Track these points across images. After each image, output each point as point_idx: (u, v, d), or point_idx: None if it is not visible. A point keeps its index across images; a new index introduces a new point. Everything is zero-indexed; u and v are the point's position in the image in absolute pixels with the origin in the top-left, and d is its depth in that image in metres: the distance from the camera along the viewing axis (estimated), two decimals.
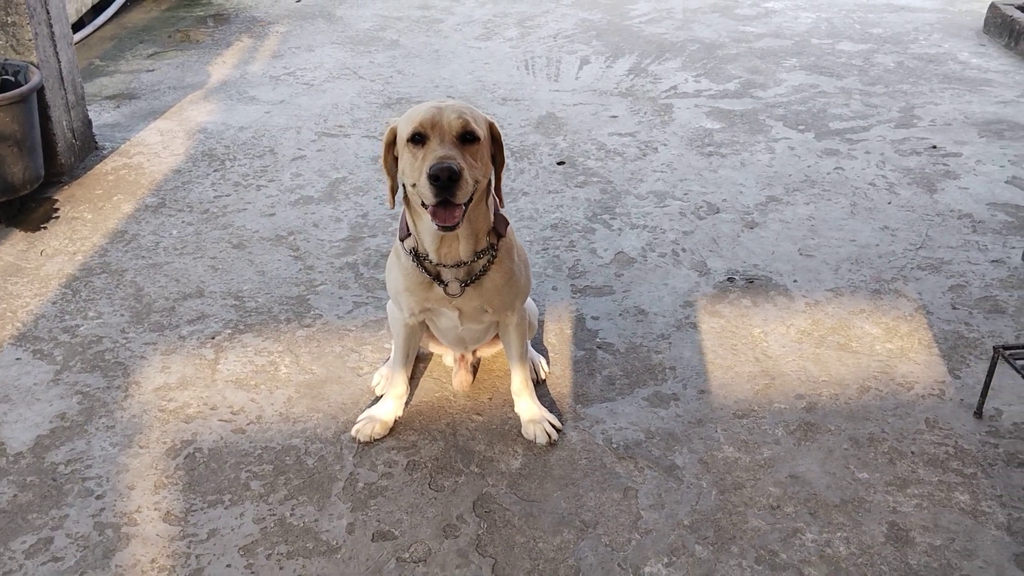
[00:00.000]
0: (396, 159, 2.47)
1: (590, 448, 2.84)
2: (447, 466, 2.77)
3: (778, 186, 4.40)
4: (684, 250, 3.88)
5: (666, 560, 2.46)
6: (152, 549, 2.50)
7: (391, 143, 2.47)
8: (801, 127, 5.01)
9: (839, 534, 2.52)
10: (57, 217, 4.15)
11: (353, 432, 2.85)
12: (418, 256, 2.57)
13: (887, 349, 3.26)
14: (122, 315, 3.48)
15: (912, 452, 2.80)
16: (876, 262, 3.77)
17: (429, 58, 6.09)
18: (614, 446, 2.84)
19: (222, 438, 2.89)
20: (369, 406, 2.96)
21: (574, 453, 2.82)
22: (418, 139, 2.32)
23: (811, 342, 3.31)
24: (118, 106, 5.32)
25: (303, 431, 2.90)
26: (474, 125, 2.34)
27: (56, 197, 4.31)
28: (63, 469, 2.77)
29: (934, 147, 4.75)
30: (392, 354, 2.92)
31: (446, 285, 2.58)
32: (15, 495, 2.67)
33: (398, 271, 2.64)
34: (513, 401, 2.95)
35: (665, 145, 4.83)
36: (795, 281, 3.66)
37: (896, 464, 2.75)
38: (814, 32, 6.46)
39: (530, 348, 3.15)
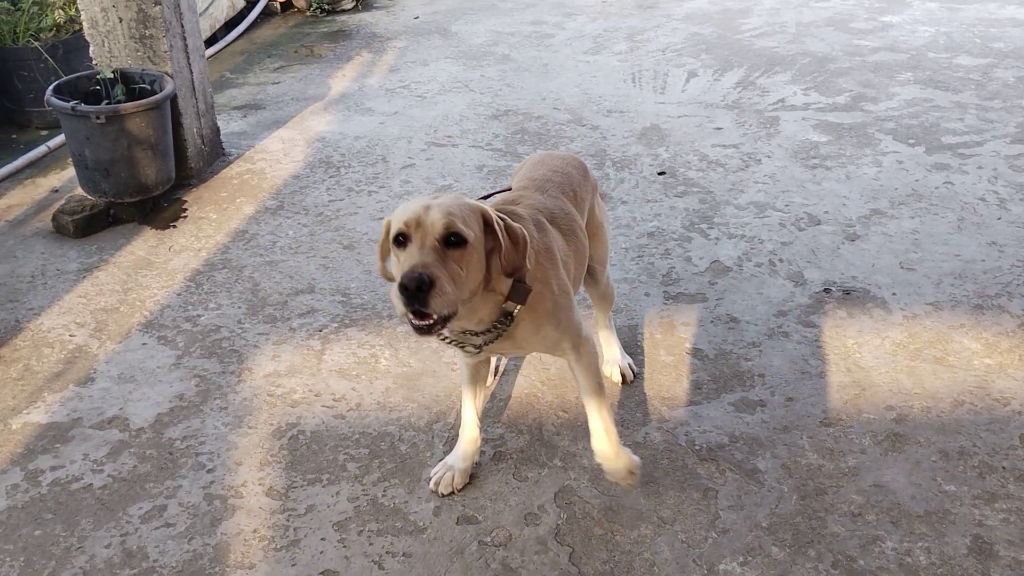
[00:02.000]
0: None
1: (673, 449, 2.89)
2: (531, 458, 2.87)
3: (883, 199, 4.34)
4: (781, 260, 3.88)
5: (741, 559, 2.49)
6: (255, 520, 2.69)
7: (386, 235, 2.23)
8: (911, 141, 4.91)
9: (920, 544, 2.50)
10: (185, 217, 4.46)
11: (431, 485, 2.75)
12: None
13: (985, 364, 3.19)
14: (239, 307, 3.73)
15: (1003, 467, 2.74)
16: (980, 277, 3.69)
17: (538, 72, 6.24)
18: (697, 448, 2.89)
19: (324, 422, 3.07)
20: (444, 456, 2.89)
21: (657, 453, 2.88)
22: (401, 241, 2.11)
23: (906, 355, 3.27)
24: (245, 116, 5.67)
25: (398, 419, 3.05)
26: (460, 226, 2.08)
27: (185, 198, 4.64)
28: (179, 444, 3.00)
29: None
30: (463, 401, 2.77)
31: (463, 345, 2.38)
32: (135, 466, 2.92)
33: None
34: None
35: (769, 157, 4.83)
36: (894, 294, 3.62)
37: (985, 478, 2.71)
38: (931, 46, 6.31)
39: (619, 352, 3.23)
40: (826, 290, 3.67)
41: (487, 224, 2.17)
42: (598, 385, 2.54)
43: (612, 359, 3.24)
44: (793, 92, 5.67)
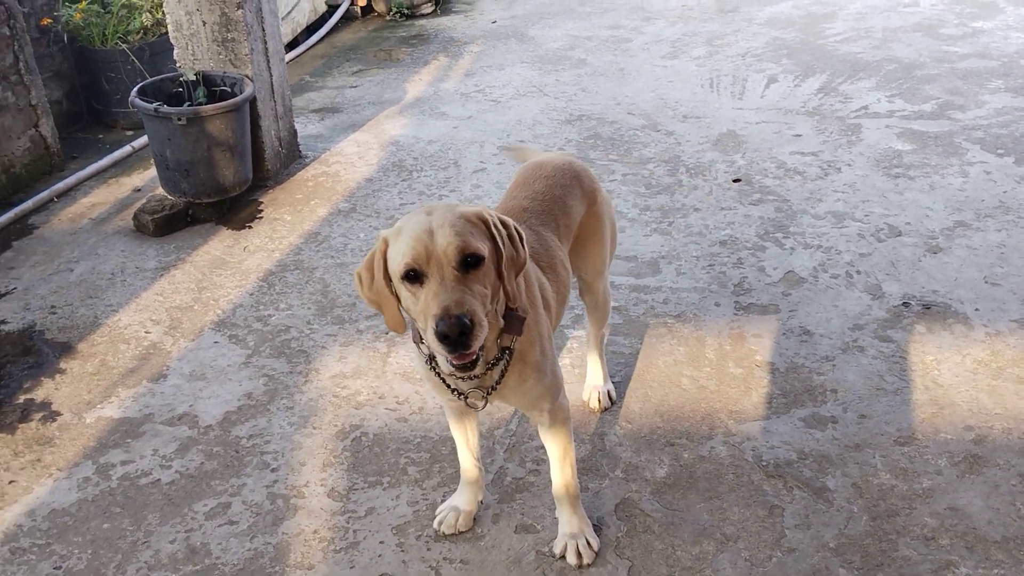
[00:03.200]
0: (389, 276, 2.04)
1: (738, 464, 2.82)
2: (593, 468, 2.83)
3: (968, 211, 4.17)
4: (859, 272, 3.76)
5: None
6: (315, 521, 2.71)
7: (384, 260, 2.04)
8: (1000, 151, 4.71)
9: (996, 571, 2.38)
10: (261, 218, 4.55)
11: (435, 525, 2.66)
12: (433, 362, 2.19)
13: None
14: (309, 308, 3.78)
15: None
16: None
17: (614, 76, 6.19)
18: (764, 464, 2.81)
19: (386, 425, 3.08)
20: (446, 498, 2.79)
21: (721, 467, 2.81)
22: (413, 275, 1.94)
23: (988, 373, 3.13)
24: (322, 119, 5.75)
25: None
26: (474, 244, 1.95)
27: (261, 200, 4.72)
28: (245, 443, 3.05)
29: None
30: (455, 440, 2.64)
31: (466, 397, 2.26)
32: (202, 463, 2.97)
33: (422, 370, 2.29)
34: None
35: (849, 165, 4.69)
36: (977, 310, 3.47)
37: None
38: None
39: (602, 377, 3.11)
40: (905, 304, 3.54)
41: (487, 227, 2.04)
42: (569, 458, 2.48)
43: (594, 384, 3.11)
44: (877, 99, 5.50)
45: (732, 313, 3.56)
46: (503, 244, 2.04)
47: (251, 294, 3.90)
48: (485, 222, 2.04)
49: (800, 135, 5.09)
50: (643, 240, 4.11)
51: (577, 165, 2.76)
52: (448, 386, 2.23)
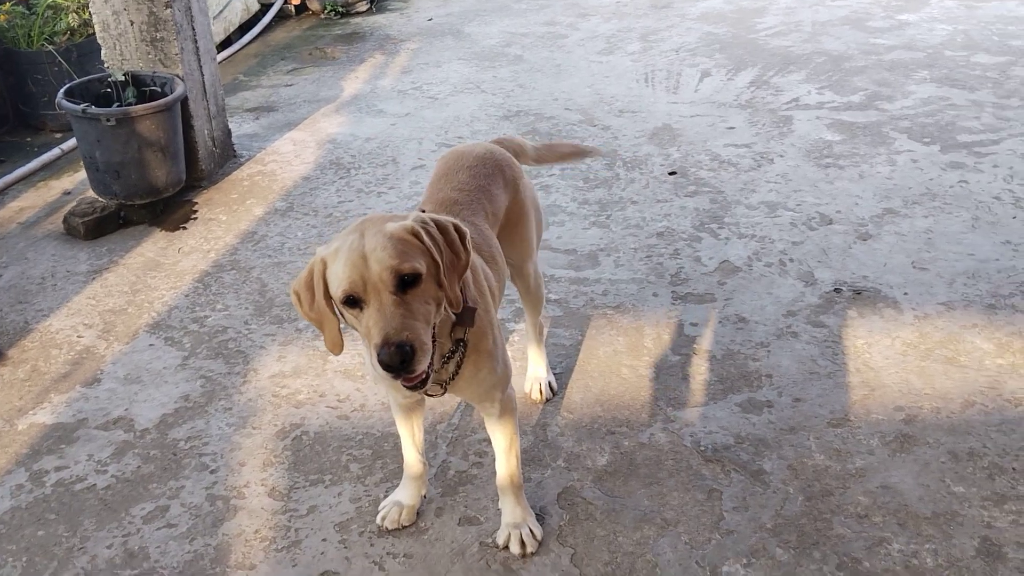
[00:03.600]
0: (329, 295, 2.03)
1: (677, 450, 2.86)
2: (535, 459, 2.85)
3: (896, 199, 4.28)
4: (792, 260, 3.84)
5: (745, 561, 2.46)
6: (256, 521, 2.69)
7: (323, 281, 2.02)
8: (927, 140, 4.85)
9: (927, 546, 2.46)
10: (195, 218, 4.48)
11: (378, 520, 2.65)
12: None
13: (997, 365, 3.14)
14: (246, 308, 3.73)
15: (1014, 468, 2.69)
16: (994, 277, 3.63)
17: (551, 72, 6.22)
18: (702, 448, 2.86)
19: (328, 423, 3.06)
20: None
21: (661, 453, 2.85)
22: (352, 302, 1.95)
23: (917, 355, 3.22)
24: (257, 118, 5.68)
25: None
26: (409, 263, 1.93)
27: (195, 200, 4.65)
28: (183, 445, 3.01)
29: None
30: (401, 435, 2.63)
31: (425, 389, 2.17)
32: (139, 466, 2.92)
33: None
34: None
35: (781, 156, 4.78)
36: (905, 294, 3.57)
37: (995, 479, 2.66)
38: (948, 44, 6.23)
39: (544, 369, 3.13)
40: (836, 290, 3.62)
41: (420, 240, 1.99)
42: (515, 449, 2.50)
43: (536, 376, 3.12)
44: (807, 91, 5.62)
45: (670, 303, 3.61)
46: (440, 254, 2.02)
47: (187, 295, 3.84)
48: (417, 235, 2.00)
49: (733, 127, 5.17)
50: (582, 233, 4.15)
51: (498, 153, 2.77)
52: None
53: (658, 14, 7.40)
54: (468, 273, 2.22)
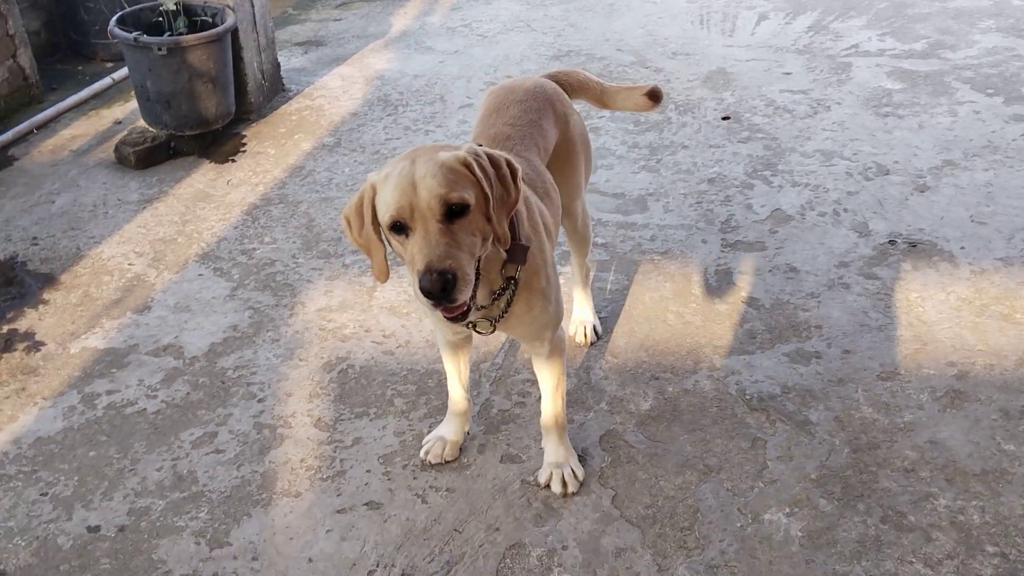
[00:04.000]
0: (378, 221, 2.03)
1: (722, 397, 2.84)
2: (578, 401, 2.85)
3: (956, 150, 4.16)
4: (846, 210, 3.76)
5: (788, 510, 2.45)
6: (302, 450, 2.73)
7: (372, 207, 2.03)
8: (990, 91, 4.69)
9: (975, 503, 2.43)
10: (244, 151, 4.49)
11: (422, 454, 2.67)
12: None
13: None
14: (294, 242, 3.75)
15: None
16: None
17: (602, 11, 6.09)
18: (747, 397, 2.83)
19: (373, 358, 3.08)
20: (432, 429, 2.79)
21: (705, 400, 2.83)
22: (398, 228, 1.95)
23: (971, 310, 3.15)
24: (305, 52, 5.65)
25: None
26: (457, 193, 1.93)
27: (244, 133, 4.66)
28: (231, 374, 3.05)
29: None
30: (447, 371, 2.65)
31: (475, 325, 2.25)
32: (188, 393, 2.97)
33: (423, 303, 2.10)
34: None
35: (839, 104, 4.66)
36: (962, 248, 3.48)
37: None
38: None
39: (590, 311, 3.10)
40: (891, 242, 3.54)
41: (471, 172, 1.98)
42: (561, 390, 2.50)
43: (581, 319, 3.10)
44: (868, 37, 5.44)
45: (719, 250, 3.56)
46: (490, 187, 2.00)
47: (235, 227, 3.87)
48: (469, 167, 1.99)
49: (790, 73, 5.04)
50: (631, 177, 4.09)
51: (549, 87, 2.73)
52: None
53: None
54: (522, 209, 2.20)
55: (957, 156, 4.11)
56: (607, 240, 3.64)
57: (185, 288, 3.49)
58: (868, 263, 3.43)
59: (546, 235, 2.37)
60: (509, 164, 2.08)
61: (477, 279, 2.01)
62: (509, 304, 2.22)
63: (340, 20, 6.18)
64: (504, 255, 2.15)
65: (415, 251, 1.92)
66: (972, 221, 3.64)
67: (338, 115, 4.82)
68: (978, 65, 4.98)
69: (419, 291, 1.89)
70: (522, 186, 2.12)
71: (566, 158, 2.73)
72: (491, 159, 2.06)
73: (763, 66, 5.14)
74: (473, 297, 2.01)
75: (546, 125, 2.62)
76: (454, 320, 2.01)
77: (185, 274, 3.58)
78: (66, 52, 5.61)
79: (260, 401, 2.93)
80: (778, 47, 5.39)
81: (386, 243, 2.07)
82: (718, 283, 3.37)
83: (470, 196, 1.95)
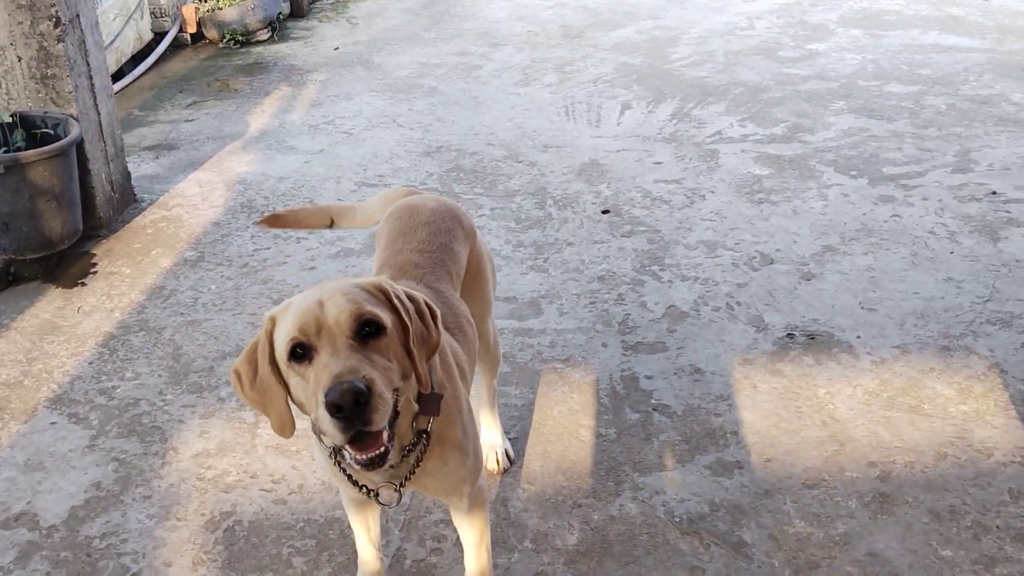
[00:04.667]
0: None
1: (651, 522, 2.67)
2: (500, 541, 2.61)
3: (833, 235, 4.23)
4: (739, 303, 3.72)
5: None
6: None
7: (269, 343, 1.77)
8: (853, 172, 4.84)
9: None
10: (95, 272, 4.08)
11: None
12: (338, 454, 1.89)
13: (962, 411, 3.07)
14: (160, 375, 3.38)
15: (997, 526, 2.60)
16: (943, 316, 3.59)
17: (468, 105, 6.02)
18: (676, 520, 2.68)
19: (263, 509, 2.76)
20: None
21: (634, 527, 2.66)
22: (301, 353, 1.68)
23: (880, 404, 3.12)
24: (157, 157, 5.29)
25: None
26: (371, 308, 1.71)
27: (94, 251, 4.25)
28: (98, 543, 2.65)
29: (994, 193, 4.56)
30: (354, 531, 2.38)
31: (377, 495, 1.97)
32: (48, 572, 2.56)
33: (325, 466, 2.02)
34: None
35: (713, 192, 4.69)
36: (858, 337, 3.48)
37: (981, 540, 2.56)
38: (860, 74, 6.31)
39: (499, 435, 2.91)
40: (789, 335, 3.51)
41: (388, 299, 1.80)
42: (486, 543, 2.25)
43: (492, 443, 2.87)
44: (729, 123, 5.57)
45: (620, 354, 3.43)
46: (409, 318, 1.80)
47: (91, 363, 3.46)
48: (385, 292, 1.81)
49: (660, 162, 5.07)
50: (520, 279, 3.94)
51: (451, 204, 2.56)
52: (355, 482, 1.96)
53: (571, 44, 7.29)
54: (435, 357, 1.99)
55: (835, 241, 4.18)
56: (506, 349, 3.45)
57: (36, 441, 3.06)
58: (771, 359, 3.38)
59: (460, 377, 2.16)
60: (428, 305, 1.88)
61: (393, 420, 1.75)
62: (419, 461, 1.96)
63: (192, 120, 5.84)
64: (415, 406, 1.90)
65: (319, 370, 1.64)
66: (862, 308, 3.67)
67: (199, 226, 4.49)
68: (838, 147, 5.16)
69: (326, 411, 1.59)
70: (442, 329, 1.92)
71: (475, 277, 2.54)
72: (408, 295, 1.86)
73: (634, 156, 5.16)
74: (391, 439, 1.75)
75: (456, 247, 2.43)
76: (370, 465, 1.71)
77: (35, 423, 3.15)
78: None
79: (135, 575, 2.54)
80: (645, 136, 5.43)
81: (286, 385, 1.79)
82: (625, 390, 3.23)
83: (386, 317, 1.74)
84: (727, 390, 3.22)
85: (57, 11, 3.88)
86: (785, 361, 3.37)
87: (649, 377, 3.30)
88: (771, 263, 4.02)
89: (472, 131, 5.57)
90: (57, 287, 3.97)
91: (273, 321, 1.78)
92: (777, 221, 4.39)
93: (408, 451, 1.93)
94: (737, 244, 4.19)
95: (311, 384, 1.67)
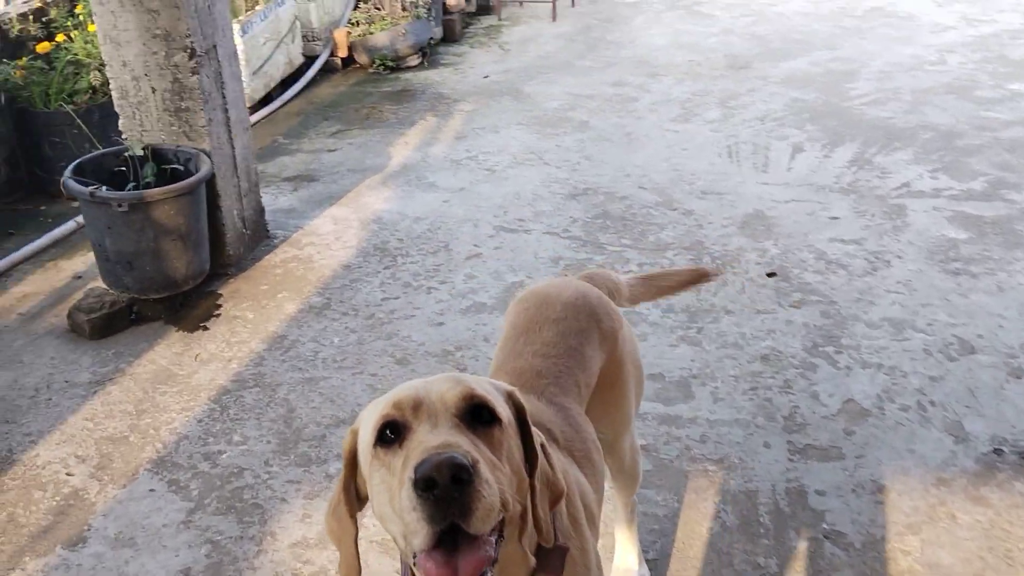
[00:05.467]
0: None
1: None
2: None
3: None
4: (933, 403, 3.13)
5: None
6: None
7: (352, 460, 1.46)
8: None
9: None
10: (219, 316, 3.88)
11: None
12: None
13: None
14: (268, 442, 3.11)
15: None
16: None
17: (620, 142, 5.59)
18: None
19: None
20: None
21: None
22: (392, 435, 1.34)
23: None
24: (295, 189, 5.11)
25: None
26: (484, 395, 1.38)
27: (220, 291, 4.06)
28: None
29: None
30: None
31: None
32: None
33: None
34: None
35: (900, 258, 4.08)
36: None
37: None
38: None
39: (636, 559, 2.46)
40: (996, 451, 2.90)
41: (511, 401, 1.45)
42: None
43: (625, 569, 2.45)
44: (919, 174, 4.91)
45: (786, 458, 2.92)
46: (538, 445, 1.44)
47: (199, 421, 3.23)
48: (513, 399, 1.46)
49: (837, 218, 4.48)
50: (668, 352, 3.48)
51: (593, 297, 2.11)
52: None
53: (736, 75, 6.74)
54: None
55: None
56: (647, 441, 3.00)
57: (131, 511, 2.83)
58: (973, 481, 2.78)
59: (589, 523, 1.73)
60: (551, 463, 1.47)
61: (500, 540, 1.32)
62: None
63: (335, 151, 5.66)
64: (532, 561, 1.48)
65: (410, 450, 1.28)
66: None
67: (329, 268, 4.24)
68: None
69: (410, 491, 1.21)
70: (564, 483, 1.50)
71: (612, 385, 2.10)
72: (543, 448, 1.48)
73: (806, 208, 4.59)
74: (494, 562, 1.31)
75: (589, 351, 2.00)
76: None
77: (133, 489, 2.92)
78: (28, 190, 5.06)
79: None
80: (819, 186, 4.85)
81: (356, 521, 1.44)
82: (791, 508, 2.72)
83: (502, 411, 1.39)
84: (918, 519, 2.65)
85: (192, 42, 3.71)
86: (992, 485, 2.76)
87: (820, 493, 2.77)
88: (972, 352, 3.40)
89: (623, 172, 5.14)
90: (179, 330, 3.79)
91: (354, 434, 1.45)
92: (978, 299, 3.74)
93: None
94: (930, 325, 3.58)
95: (397, 472, 1.29)
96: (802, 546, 2.58)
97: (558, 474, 1.50)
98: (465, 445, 1.27)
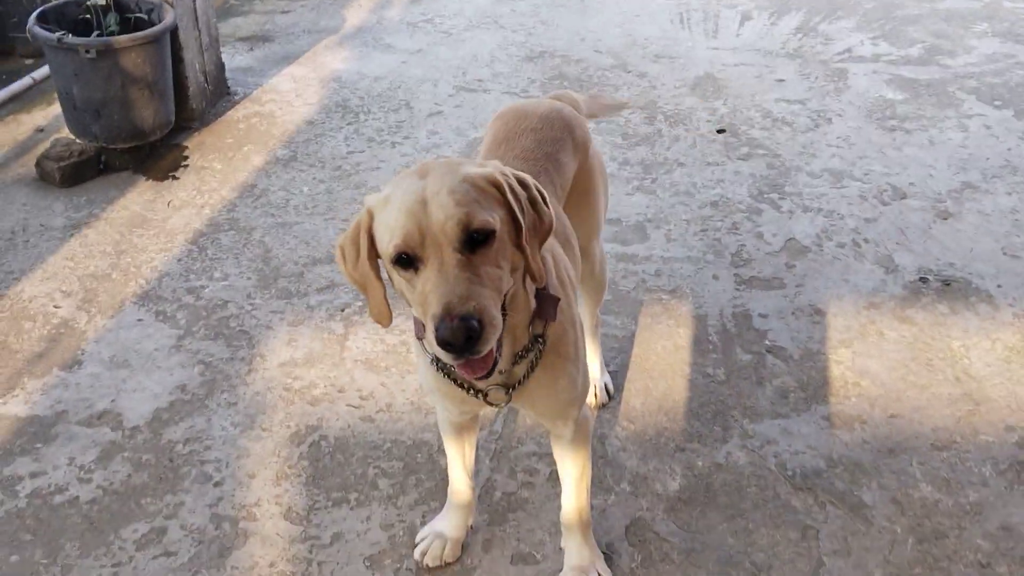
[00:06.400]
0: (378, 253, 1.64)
1: (761, 474, 2.46)
2: (596, 479, 2.44)
3: (973, 170, 3.85)
4: (867, 240, 3.41)
5: None
6: (271, 550, 2.27)
7: (369, 237, 1.62)
8: (998, 103, 4.40)
9: None
10: (186, 166, 3.97)
11: (417, 555, 2.23)
12: (441, 362, 1.77)
13: None
14: (249, 278, 3.27)
15: None
16: None
17: (575, 7, 5.67)
18: (789, 473, 2.46)
19: (349, 426, 2.63)
20: (430, 520, 2.33)
21: (742, 478, 2.45)
22: (406, 260, 1.54)
23: (1022, 362, 2.82)
24: (251, 49, 5.12)
25: (435, 424, 2.59)
26: (481, 216, 1.53)
27: (186, 144, 4.13)
28: (181, 448, 2.57)
29: None
30: (448, 456, 2.22)
31: (486, 395, 1.81)
32: (129, 475, 2.48)
33: (425, 370, 1.87)
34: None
35: (840, 116, 4.32)
36: (999, 286, 3.16)
37: None
38: None
39: (599, 366, 2.71)
40: (922, 279, 3.21)
41: (501, 193, 1.60)
42: (586, 480, 2.10)
43: (590, 375, 2.60)
44: (860, 41, 5.12)
45: (733, 288, 3.18)
46: (522, 212, 1.61)
47: (179, 260, 3.37)
48: (498, 186, 1.60)
49: (783, 80, 4.69)
50: (626, 200, 3.69)
51: (566, 112, 2.30)
52: (462, 384, 1.79)
53: None
54: (548, 257, 1.79)
55: (975, 177, 3.80)
56: (608, 275, 3.22)
57: (122, 337, 2.99)
58: (900, 304, 3.09)
59: (571, 290, 1.96)
60: (539, 190, 1.68)
61: (503, 323, 1.58)
62: (532, 368, 1.80)
63: (288, 12, 5.64)
64: (532, 304, 1.74)
65: (428, 289, 1.51)
66: (1004, 254, 3.32)
67: (292, 123, 4.33)
68: (980, 73, 4.69)
69: (434, 341, 1.49)
70: (552, 212, 1.70)
71: (584, 193, 2.31)
72: (519, 180, 1.66)
73: (753, 72, 4.78)
74: (499, 348, 1.61)
75: (564, 158, 2.20)
76: (479, 379, 1.63)
77: (121, 319, 3.07)
78: None
79: (217, 485, 2.45)
80: (767, 50, 5.03)
81: (387, 280, 1.65)
82: (737, 328, 2.99)
83: (495, 220, 1.56)
84: (850, 335, 2.95)
85: None
86: (916, 307, 3.07)
87: (764, 315, 3.05)
88: (903, 198, 3.68)
89: (578, 36, 5.25)
90: (148, 179, 3.87)
91: (371, 215, 1.61)
92: (911, 152, 4.01)
93: (520, 356, 1.77)
94: (866, 175, 3.85)
95: (418, 294, 1.54)
96: (746, 358, 2.87)
97: (542, 216, 1.66)
98: (471, 292, 1.49)
